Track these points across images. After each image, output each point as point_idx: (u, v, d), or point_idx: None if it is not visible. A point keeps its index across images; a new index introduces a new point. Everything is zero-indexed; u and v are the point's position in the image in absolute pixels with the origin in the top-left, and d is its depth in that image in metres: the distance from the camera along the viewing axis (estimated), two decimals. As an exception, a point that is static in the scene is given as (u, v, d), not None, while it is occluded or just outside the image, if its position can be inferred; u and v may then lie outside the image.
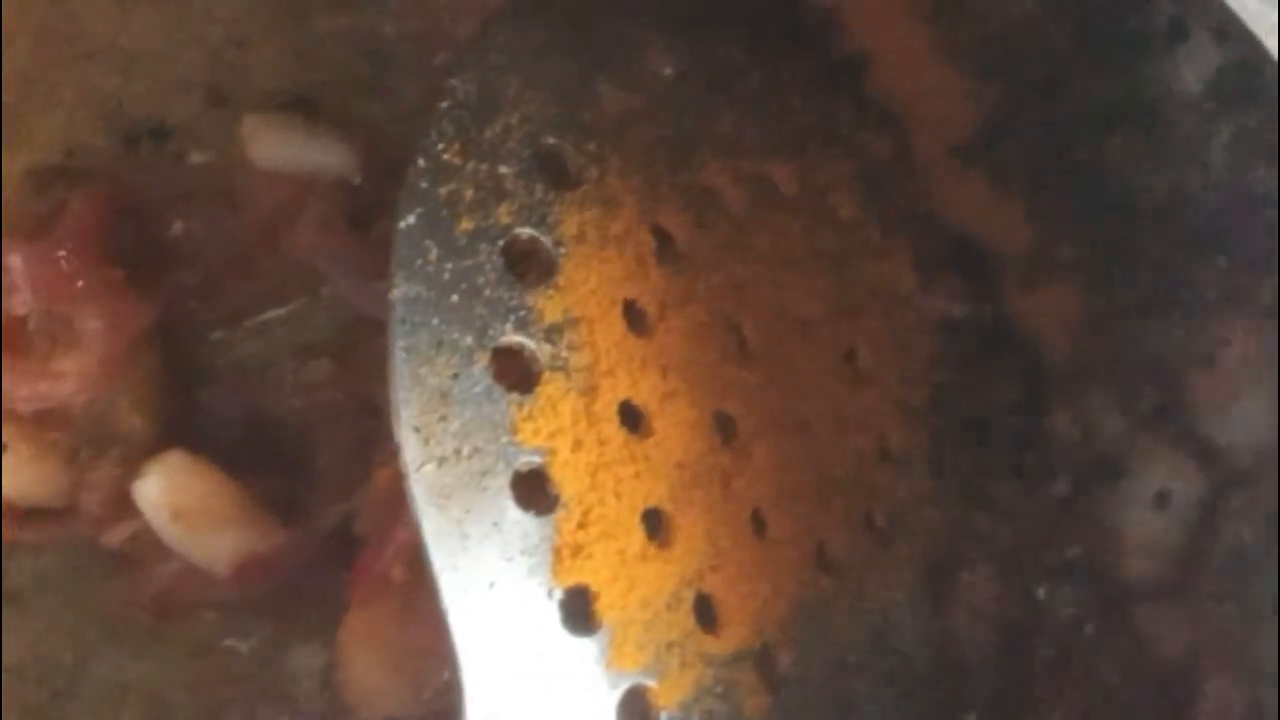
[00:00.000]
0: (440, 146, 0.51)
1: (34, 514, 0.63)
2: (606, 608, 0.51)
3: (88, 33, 0.63)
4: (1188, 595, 0.61)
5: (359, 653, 0.60)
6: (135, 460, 0.62)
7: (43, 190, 0.63)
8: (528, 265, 0.51)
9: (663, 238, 0.54)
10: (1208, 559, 0.61)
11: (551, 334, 0.51)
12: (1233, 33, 0.59)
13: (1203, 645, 0.61)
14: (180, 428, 0.63)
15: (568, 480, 0.51)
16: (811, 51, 0.61)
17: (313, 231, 0.63)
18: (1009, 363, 0.63)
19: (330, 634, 0.61)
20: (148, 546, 0.62)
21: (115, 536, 0.62)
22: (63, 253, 0.61)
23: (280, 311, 0.64)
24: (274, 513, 0.62)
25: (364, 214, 0.63)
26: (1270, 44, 0.53)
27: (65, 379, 0.61)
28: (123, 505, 0.62)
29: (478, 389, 0.50)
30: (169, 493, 0.61)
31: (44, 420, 0.62)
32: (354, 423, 0.63)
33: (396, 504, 0.58)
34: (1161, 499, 0.62)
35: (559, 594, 0.50)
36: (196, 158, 0.64)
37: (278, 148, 0.63)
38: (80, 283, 0.61)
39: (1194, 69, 0.61)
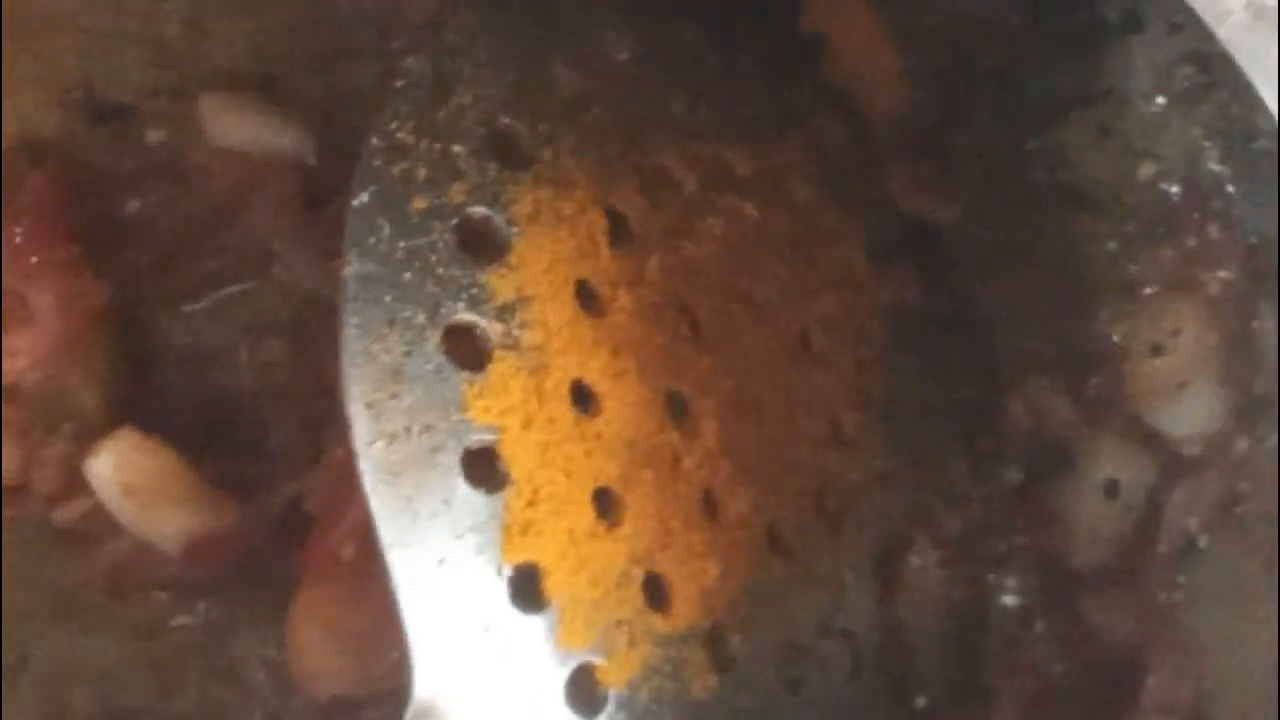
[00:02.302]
0: (394, 125, 0.51)
1: (-15, 490, 0.63)
2: (555, 586, 0.51)
3: (45, 11, 0.62)
4: (1135, 584, 0.62)
5: (309, 631, 0.60)
6: (87, 438, 0.61)
7: (-4, 167, 0.63)
8: (480, 244, 0.51)
9: (616, 219, 0.54)
10: (1155, 548, 0.62)
11: (503, 313, 0.51)
12: (1186, 25, 0.59)
13: (1149, 633, 0.61)
14: (133, 406, 0.63)
15: (518, 458, 0.51)
16: (768, 36, 0.61)
17: (268, 211, 0.63)
18: (963, 349, 0.63)
19: (282, 614, 0.61)
20: (99, 524, 0.62)
21: (67, 514, 0.62)
22: (17, 229, 0.61)
23: (234, 291, 0.64)
24: (226, 491, 0.62)
25: (319, 194, 0.63)
26: (1222, 35, 0.53)
27: (18, 356, 0.61)
28: (75, 483, 0.61)
29: (429, 367, 0.50)
30: (121, 470, 0.61)
31: (-4, 397, 0.62)
32: (306, 402, 0.63)
33: (349, 483, 0.58)
34: (1111, 488, 0.62)
35: (508, 571, 0.50)
36: (153, 136, 0.64)
37: (234, 127, 0.63)
38: (34, 260, 0.61)
39: (1147, 60, 0.62)
